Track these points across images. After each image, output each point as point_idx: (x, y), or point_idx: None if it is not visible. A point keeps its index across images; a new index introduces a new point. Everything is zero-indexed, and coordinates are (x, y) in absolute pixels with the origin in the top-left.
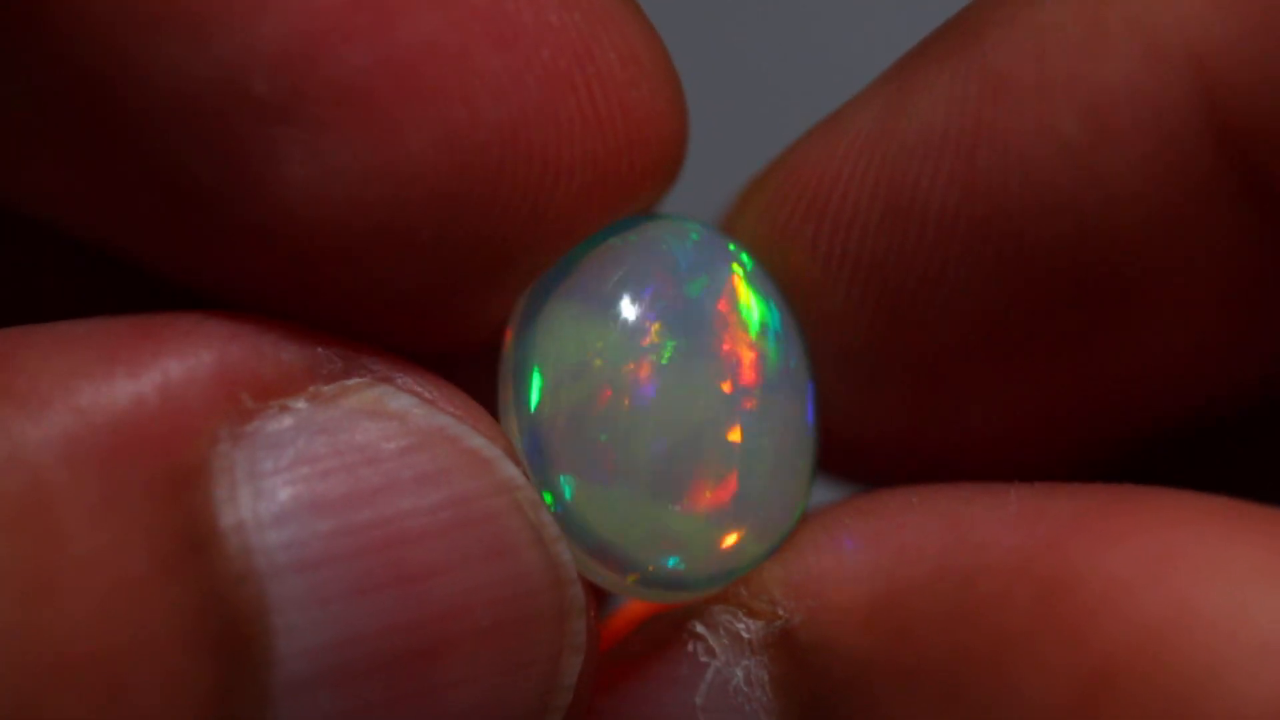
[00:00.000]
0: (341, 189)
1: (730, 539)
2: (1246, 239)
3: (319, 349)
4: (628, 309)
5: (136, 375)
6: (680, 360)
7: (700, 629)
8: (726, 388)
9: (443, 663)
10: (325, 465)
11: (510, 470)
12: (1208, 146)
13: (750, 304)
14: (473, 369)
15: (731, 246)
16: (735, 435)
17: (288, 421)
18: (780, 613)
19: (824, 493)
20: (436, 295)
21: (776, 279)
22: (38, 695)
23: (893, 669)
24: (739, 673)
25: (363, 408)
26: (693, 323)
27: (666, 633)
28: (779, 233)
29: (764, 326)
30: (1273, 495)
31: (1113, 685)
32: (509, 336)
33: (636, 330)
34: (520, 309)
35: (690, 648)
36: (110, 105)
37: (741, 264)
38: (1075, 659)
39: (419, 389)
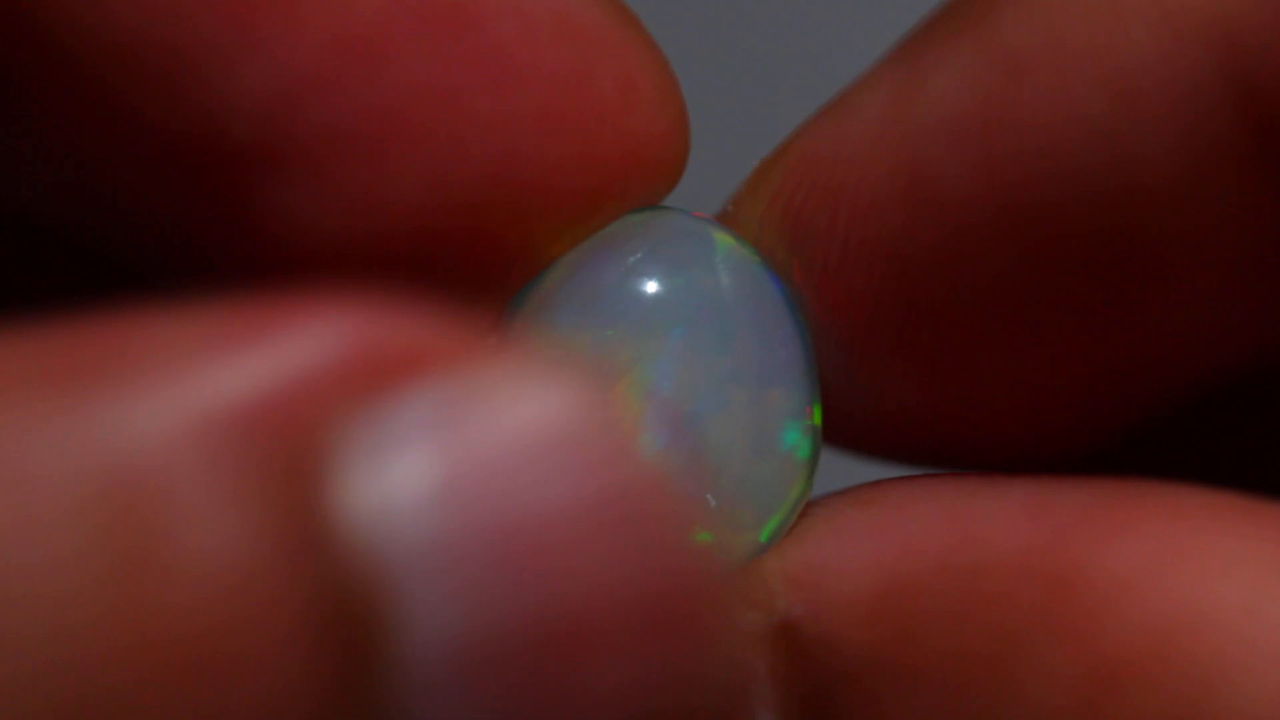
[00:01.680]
0: (329, 230)
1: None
2: (1271, 212)
3: (454, 330)
4: (584, 314)
5: (257, 357)
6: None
7: None
8: (689, 387)
9: (577, 663)
10: (456, 454)
11: (658, 464)
12: (1232, 117)
13: (719, 302)
14: None
15: (716, 237)
16: (689, 434)
17: (417, 408)
18: (779, 605)
19: (840, 473)
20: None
21: (782, 265)
22: (152, 684)
23: (894, 667)
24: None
25: (499, 395)
26: (646, 322)
27: None
28: (791, 221)
29: (732, 324)
30: None
31: (1118, 687)
32: None
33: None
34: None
35: None
36: (90, 150)
37: (720, 255)
38: (1079, 660)
39: (560, 378)
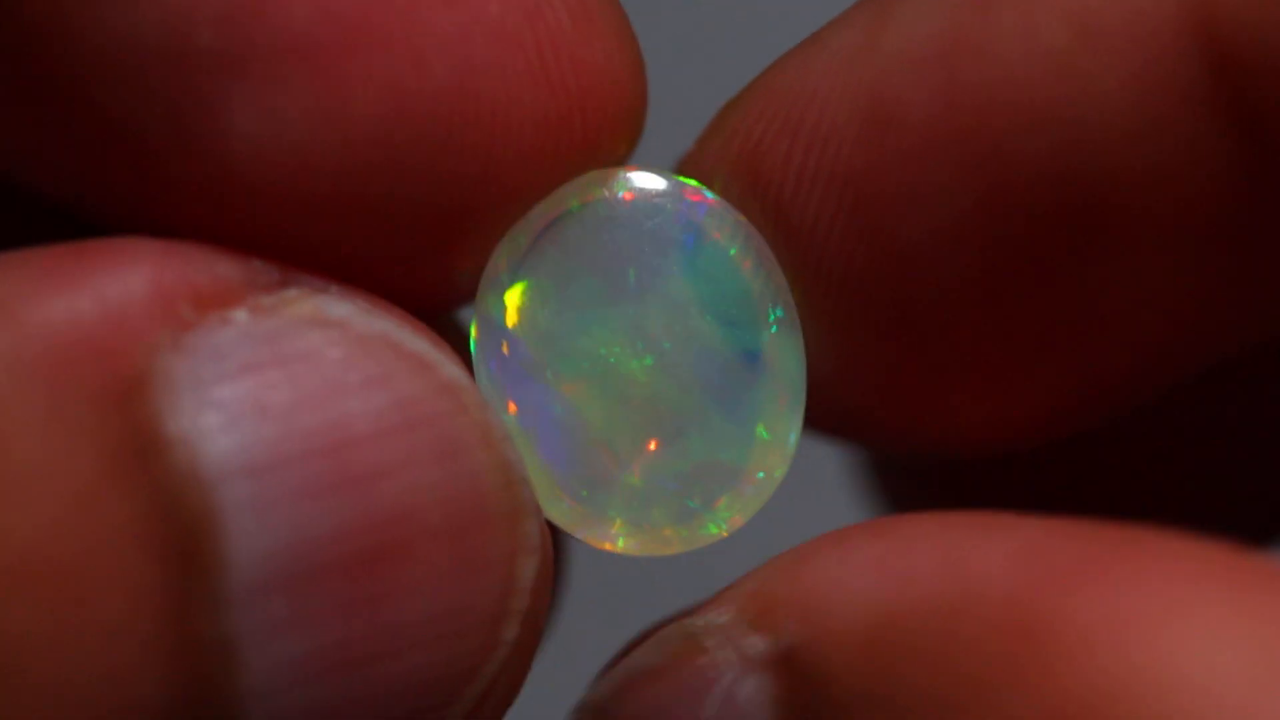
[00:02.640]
0: (288, 144)
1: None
2: (1234, 163)
3: (255, 262)
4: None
5: (72, 291)
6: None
7: (710, 644)
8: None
9: (396, 566)
10: (269, 373)
11: (454, 372)
12: (1198, 59)
13: (703, 280)
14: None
15: (684, 210)
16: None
17: (229, 332)
18: (785, 633)
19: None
20: (390, 253)
21: (747, 205)
22: (9, 609)
23: (884, 699)
24: (745, 690)
25: (303, 316)
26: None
27: (678, 644)
28: (749, 152)
29: (713, 300)
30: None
31: None
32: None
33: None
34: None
35: (700, 661)
36: (50, 62)
37: (696, 222)
38: (1046, 702)
39: (356, 299)
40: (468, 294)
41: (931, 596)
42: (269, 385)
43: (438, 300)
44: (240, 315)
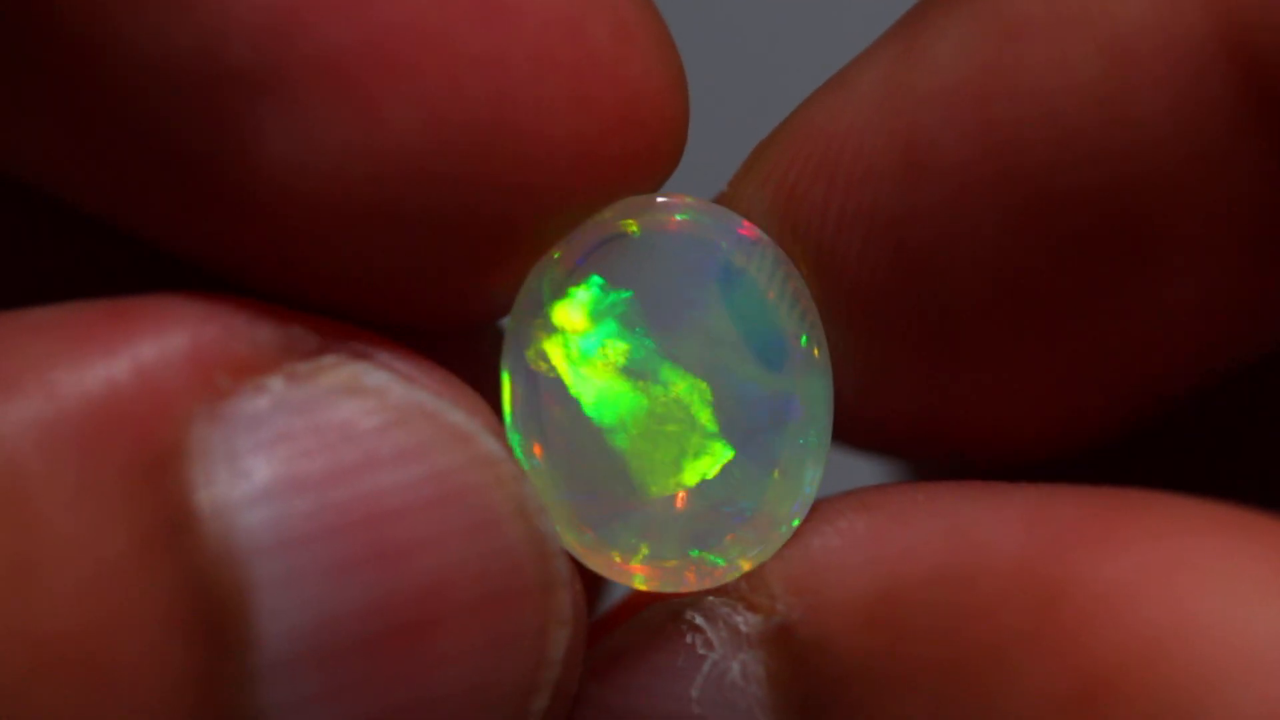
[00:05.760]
0: (323, 164)
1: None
2: (1271, 182)
3: (294, 327)
4: (597, 323)
5: (110, 358)
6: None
7: (699, 621)
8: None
9: (428, 639)
10: (303, 444)
11: (490, 444)
12: (1228, 78)
13: (731, 312)
14: (471, 347)
15: (723, 243)
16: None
17: (264, 401)
18: (779, 608)
19: (845, 468)
20: (425, 274)
21: (784, 247)
22: (21, 675)
23: (888, 671)
24: (735, 667)
25: (339, 385)
26: (667, 332)
27: (664, 623)
28: (786, 195)
29: (744, 334)
30: None
31: (1109, 692)
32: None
33: (603, 342)
34: (519, 302)
35: (688, 639)
36: (95, 71)
37: (735, 256)
38: (1072, 665)
39: (396, 365)
40: (503, 309)
41: (937, 567)
42: (303, 456)
43: (472, 316)
44: (276, 383)
